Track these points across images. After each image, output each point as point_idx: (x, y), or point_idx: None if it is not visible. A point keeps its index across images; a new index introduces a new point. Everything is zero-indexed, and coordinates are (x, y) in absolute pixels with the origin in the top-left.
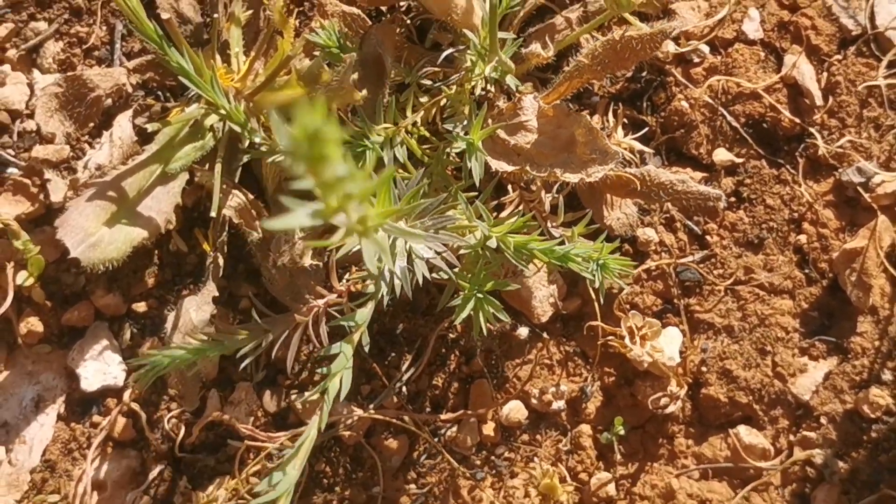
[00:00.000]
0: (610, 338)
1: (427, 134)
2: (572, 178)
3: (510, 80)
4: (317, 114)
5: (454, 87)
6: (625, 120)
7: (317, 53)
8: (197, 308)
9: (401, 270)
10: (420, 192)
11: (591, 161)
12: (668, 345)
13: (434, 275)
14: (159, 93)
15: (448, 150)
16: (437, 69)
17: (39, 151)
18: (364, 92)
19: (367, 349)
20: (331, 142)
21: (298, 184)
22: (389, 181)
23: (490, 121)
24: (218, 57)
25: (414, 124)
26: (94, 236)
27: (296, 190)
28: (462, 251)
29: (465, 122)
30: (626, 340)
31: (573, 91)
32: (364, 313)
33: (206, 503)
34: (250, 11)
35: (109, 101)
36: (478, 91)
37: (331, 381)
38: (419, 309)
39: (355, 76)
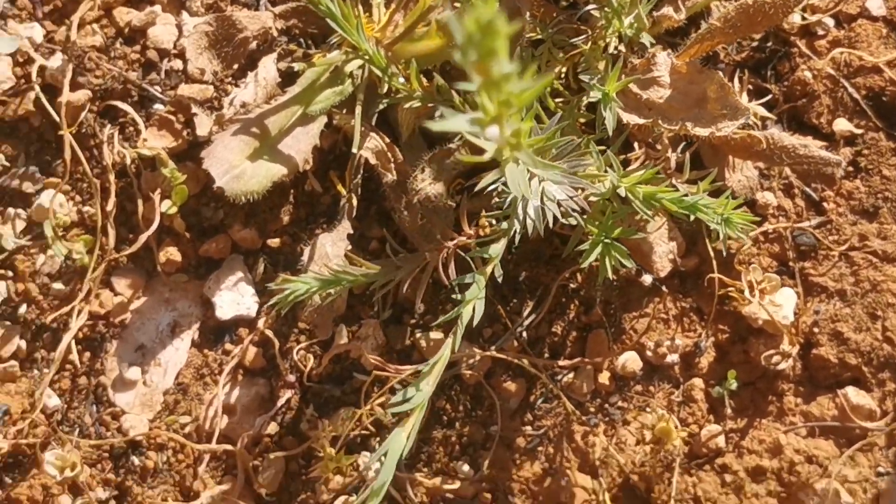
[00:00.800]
0: (729, 289)
1: (560, 87)
2: (702, 132)
3: (644, 38)
4: (490, 7)
5: (589, 44)
6: (749, 87)
7: (457, 5)
8: (332, 243)
9: (534, 210)
10: (557, 133)
11: (722, 116)
12: (783, 301)
13: (562, 221)
14: (301, 40)
15: (580, 103)
16: (572, 26)
17: (185, 90)
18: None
19: (499, 279)
20: (501, 36)
21: (463, 85)
22: (548, 85)
23: (623, 76)
24: (360, 7)
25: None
26: (237, 168)
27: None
28: (591, 198)
29: (600, 77)
30: (746, 293)
31: (703, 54)
32: (497, 248)
33: (331, 431)
34: None
35: (255, 43)
36: (611, 48)
37: (464, 308)
38: (543, 258)
39: None
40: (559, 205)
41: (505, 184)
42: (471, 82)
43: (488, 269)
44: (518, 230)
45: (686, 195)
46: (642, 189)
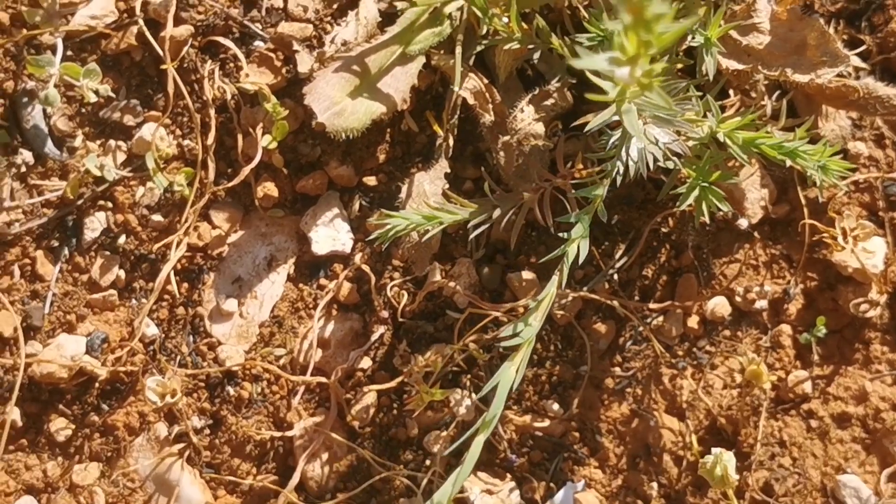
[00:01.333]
0: (822, 236)
1: None
2: (802, 78)
3: None
4: None
5: None
6: (843, 37)
7: None
8: (430, 181)
9: (637, 152)
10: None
11: (822, 63)
12: (874, 251)
13: (658, 163)
14: None
15: (679, 48)
16: None
17: (285, 28)
18: None
19: (604, 219)
20: None
21: (611, 24)
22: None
23: (723, 22)
24: None
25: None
26: (338, 105)
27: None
28: (691, 142)
29: (701, 22)
30: (839, 240)
31: (801, 2)
32: (601, 189)
33: (423, 366)
34: None
35: None
36: None
37: (570, 246)
38: (635, 202)
39: None
40: (660, 148)
41: (608, 126)
42: (614, 20)
43: (593, 209)
44: (620, 171)
45: (785, 141)
46: (741, 135)
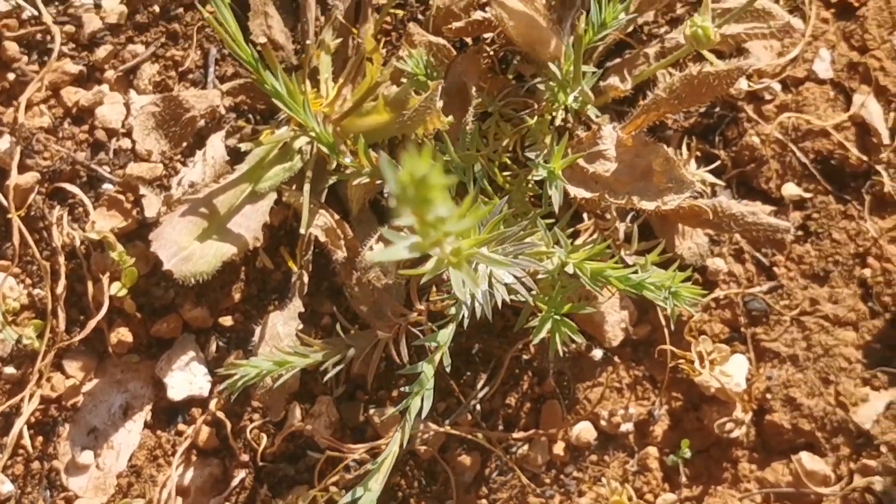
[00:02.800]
0: (680, 361)
1: (508, 161)
2: (649, 205)
3: (590, 111)
4: (423, 161)
5: (535, 117)
6: (697, 153)
7: (404, 80)
8: (284, 322)
9: (482, 294)
10: (502, 221)
11: (668, 190)
12: (734, 371)
13: (512, 297)
14: (250, 116)
15: (528, 177)
16: (519, 99)
17: (134, 169)
18: (449, 118)
19: (448, 369)
20: (436, 187)
21: (401, 220)
22: (483, 217)
23: (570, 150)
24: (308, 82)
25: (496, 151)
26: (186, 250)
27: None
28: (540, 276)
29: (546, 151)
30: (696, 364)
31: (649, 124)
32: (445, 334)
33: None
34: (339, 40)
35: (203, 121)
36: (558, 121)
37: (412, 400)
38: (495, 331)
39: (440, 103)
40: (507, 285)
41: None
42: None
43: (437, 358)
44: (466, 315)
45: (636, 268)
46: (590, 265)
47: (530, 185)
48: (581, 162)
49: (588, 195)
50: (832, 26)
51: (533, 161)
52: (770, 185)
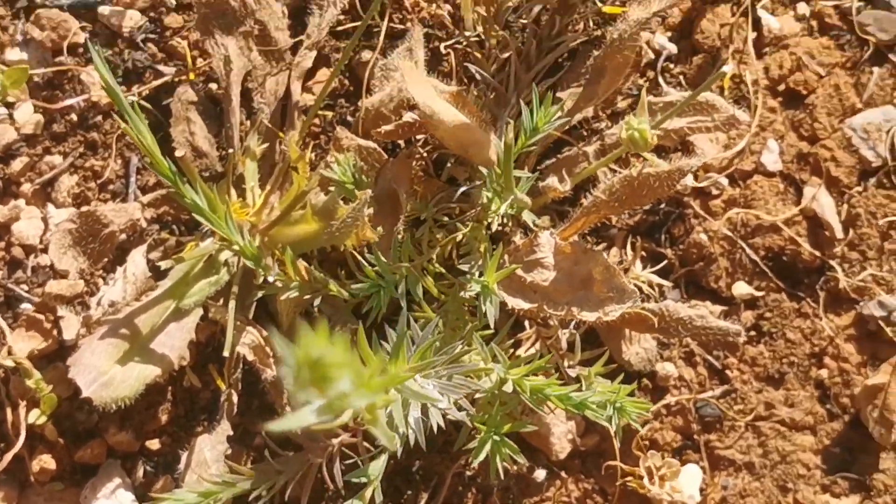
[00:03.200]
0: (629, 478)
1: (443, 270)
2: (589, 316)
3: (527, 216)
4: (320, 339)
5: (470, 224)
6: (643, 253)
7: (332, 188)
8: (211, 447)
9: (415, 421)
10: (433, 344)
11: (609, 299)
12: (688, 483)
13: (450, 417)
14: (174, 226)
15: (465, 286)
16: (453, 205)
17: (53, 286)
18: (379, 229)
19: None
20: (334, 366)
21: (303, 395)
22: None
23: (506, 257)
24: (233, 191)
25: (429, 261)
26: (106, 375)
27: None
28: (478, 395)
29: (481, 262)
30: (645, 481)
31: (590, 226)
32: (377, 466)
33: None
34: (266, 145)
35: (123, 236)
36: (494, 227)
37: None
38: (436, 446)
39: (370, 211)
40: (442, 410)
41: None
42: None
43: (367, 494)
44: (399, 444)
45: (579, 380)
46: (530, 382)
47: (467, 297)
48: (518, 271)
49: (526, 306)
50: (780, 115)
51: (466, 278)
52: (720, 283)
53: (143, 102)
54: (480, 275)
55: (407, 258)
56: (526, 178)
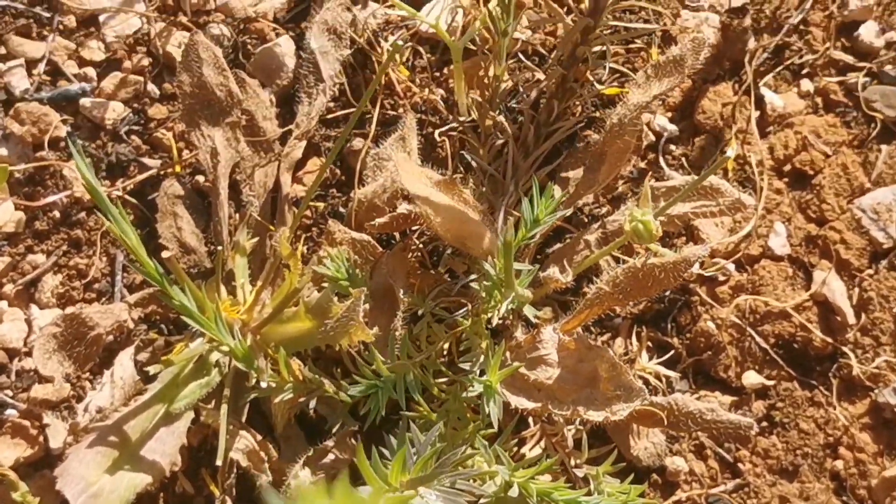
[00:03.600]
0: None
1: (443, 368)
2: (597, 416)
3: (528, 311)
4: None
5: (470, 318)
6: (649, 343)
7: (326, 285)
8: None
9: None
10: (435, 454)
11: (616, 398)
12: None
13: None
14: (163, 326)
15: (466, 385)
16: (452, 298)
17: (38, 391)
18: (375, 329)
19: None
20: None
21: None
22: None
23: (508, 354)
24: (223, 288)
25: (429, 358)
26: (94, 486)
27: None
28: (483, 500)
29: (482, 359)
30: None
31: (594, 318)
32: None
33: None
34: (256, 239)
35: (110, 337)
36: (495, 321)
37: None
38: None
39: (367, 306)
40: None
41: None
42: None
43: None
44: None
45: (588, 481)
46: (536, 485)
47: (469, 395)
48: (522, 369)
49: (530, 405)
50: (786, 197)
51: (468, 378)
52: (729, 373)
53: (127, 197)
54: (482, 373)
55: (405, 356)
56: (527, 272)
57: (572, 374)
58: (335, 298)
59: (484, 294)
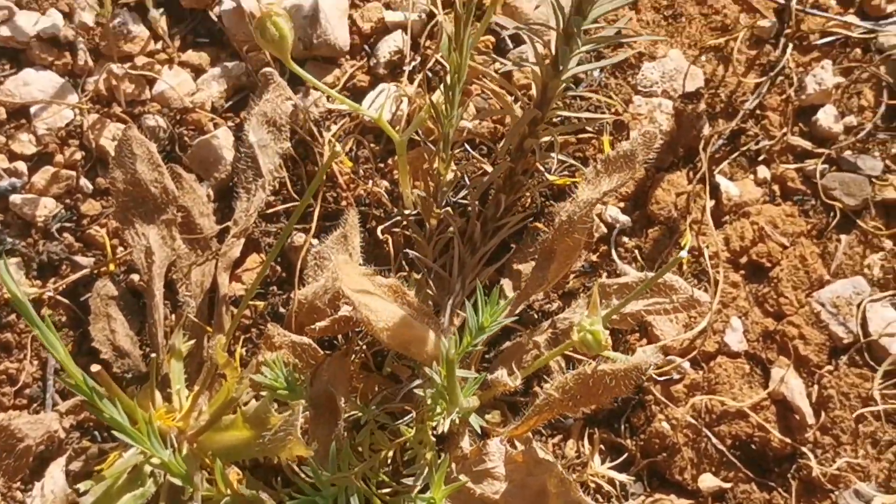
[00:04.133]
0: None
1: (386, 478)
2: None
3: (474, 420)
4: None
5: (415, 425)
6: (602, 445)
7: (264, 393)
8: None
9: None
10: None
11: None
12: None
13: None
14: (96, 433)
15: (410, 495)
16: (396, 405)
17: None
18: (314, 444)
19: None
20: None
21: None
22: None
23: (454, 465)
24: (158, 394)
25: (372, 468)
26: None
27: None
28: None
29: (427, 471)
30: None
31: (543, 424)
32: None
33: None
34: (192, 341)
35: (42, 447)
36: (440, 429)
37: None
38: None
39: (307, 414)
40: None
41: None
42: None
43: None
44: None
45: None
46: None
47: None
48: (468, 483)
49: None
50: (743, 290)
51: (410, 494)
52: (685, 475)
53: (59, 298)
54: (426, 488)
55: (346, 467)
56: (473, 379)
57: (520, 489)
58: (274, 407)
59: (429, 401)
